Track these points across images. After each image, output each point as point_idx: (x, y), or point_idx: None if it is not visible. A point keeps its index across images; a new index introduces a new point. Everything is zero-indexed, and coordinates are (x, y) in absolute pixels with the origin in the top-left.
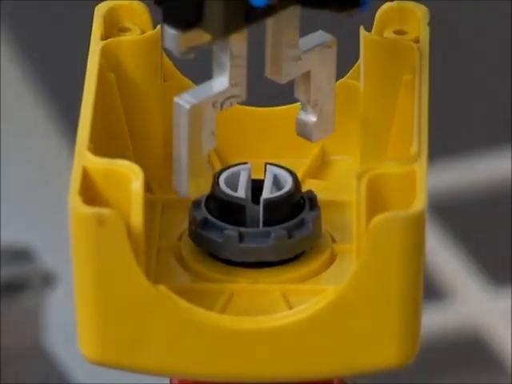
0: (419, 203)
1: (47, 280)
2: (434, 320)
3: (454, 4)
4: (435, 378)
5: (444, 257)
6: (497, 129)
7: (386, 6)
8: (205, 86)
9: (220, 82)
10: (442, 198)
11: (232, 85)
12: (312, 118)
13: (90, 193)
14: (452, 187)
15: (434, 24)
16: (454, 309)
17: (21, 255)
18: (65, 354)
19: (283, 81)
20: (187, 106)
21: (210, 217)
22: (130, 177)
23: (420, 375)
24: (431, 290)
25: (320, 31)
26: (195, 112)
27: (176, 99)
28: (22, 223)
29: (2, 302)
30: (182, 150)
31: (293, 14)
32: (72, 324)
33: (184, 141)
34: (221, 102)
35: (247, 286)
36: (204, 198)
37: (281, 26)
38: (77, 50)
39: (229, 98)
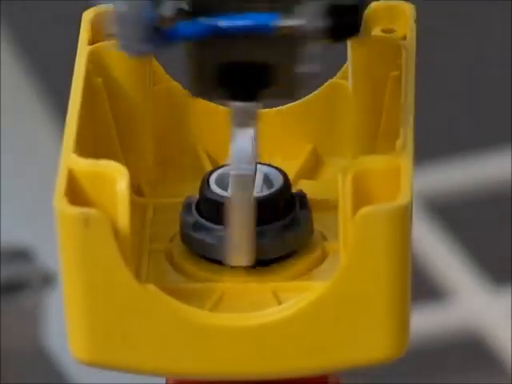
0: (404, 196)
1: (47, 280)
2: (434, 320)
3: (456, 4)
4: (435, 377)
5: (444, 257)
6: (497, 129)
7: (372, 4)
8: (238, 151)
9: (247, 143)
10: (442, 198)
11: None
12: None
13: (76, 194)
14: (452, 187)
15: (433, 23)
16: (453, 309)
17: (21, 255)
18: (65, 354)
19: None
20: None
21: (200, 219)
22: (115, 177)
23: (420, 375)
24: (431, 290)
25: None
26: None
27: (233, 173)
28: (22, 223)
29: (1, 302)
30: (244, 223)
31: None
32: None
33: (248, 212)
34: None
35: (238, 284)
36: (194, 201)
37: None
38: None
39: None
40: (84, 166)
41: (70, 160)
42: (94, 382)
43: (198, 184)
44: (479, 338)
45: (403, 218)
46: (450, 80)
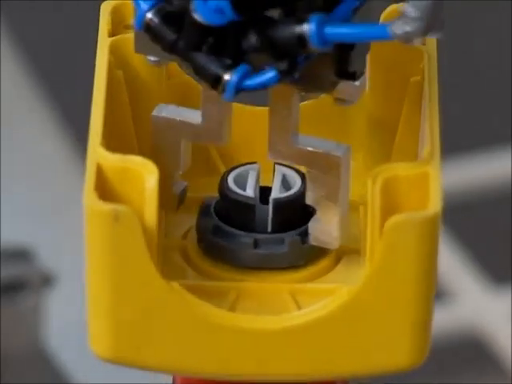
0: (434, 205)
1: (47, 280)
2: (434, 320)
3: (455, 4)
4: (435, 377)
5: (444, 257)
6: (497, 129)
7: (391, 7)
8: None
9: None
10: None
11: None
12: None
13: (104, 189)
14: (452, 187)
15: None
16: (453, 309)
17: (21, 255)
18: (65, 354)
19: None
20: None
21: (221, 223)
22: (144, 174)
23: (420, 375)
24: None
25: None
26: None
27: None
28: (22, 223)
29: (1, 302)
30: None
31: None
32: (72, 324)
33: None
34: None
35: (255, 285)
36: (213, 203)
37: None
38: (77, 50)
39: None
40: (112, 161)
41: (99, 154)
42: (94, 382)
43: (209, 180)
44: (479, 338)
45: (433, 226)
46: (449, 80)
